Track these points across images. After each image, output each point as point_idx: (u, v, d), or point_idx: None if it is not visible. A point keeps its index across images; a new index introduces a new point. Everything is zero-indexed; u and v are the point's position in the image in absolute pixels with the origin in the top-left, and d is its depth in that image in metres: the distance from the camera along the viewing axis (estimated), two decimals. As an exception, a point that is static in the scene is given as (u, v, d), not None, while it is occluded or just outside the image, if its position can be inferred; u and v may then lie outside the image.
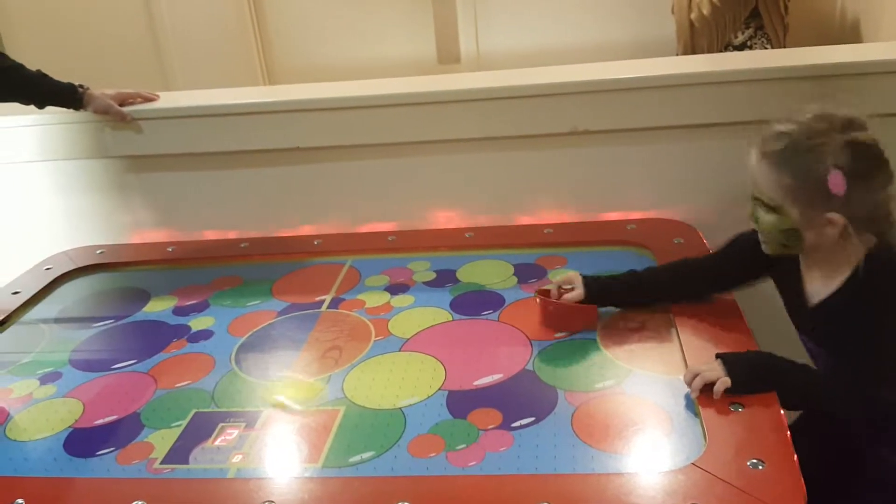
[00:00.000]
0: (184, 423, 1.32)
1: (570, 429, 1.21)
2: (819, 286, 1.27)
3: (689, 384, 1.21)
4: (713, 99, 1.79)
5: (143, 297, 1.79)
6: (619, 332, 1.45)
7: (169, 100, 2.03)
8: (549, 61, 2.08)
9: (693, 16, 2.99)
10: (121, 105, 1.93)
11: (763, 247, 1.29)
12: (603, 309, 1.49)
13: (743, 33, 2.96)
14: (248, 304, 1.71)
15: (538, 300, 1.51)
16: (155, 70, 3.56)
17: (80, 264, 1.95)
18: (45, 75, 1.83)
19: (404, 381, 1.38)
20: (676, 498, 1.02)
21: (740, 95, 1.78)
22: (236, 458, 1.22)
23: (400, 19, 3.56)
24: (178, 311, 1.71)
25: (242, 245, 1.98)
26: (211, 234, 2.09)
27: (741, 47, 2.96)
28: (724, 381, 1.18)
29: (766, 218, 1.23)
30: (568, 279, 1.49)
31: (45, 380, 1.49)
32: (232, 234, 2.07)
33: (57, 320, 1.74)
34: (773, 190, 1.20)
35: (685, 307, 1.47)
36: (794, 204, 1.19)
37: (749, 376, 1.19)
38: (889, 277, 1.19)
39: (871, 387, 1.18)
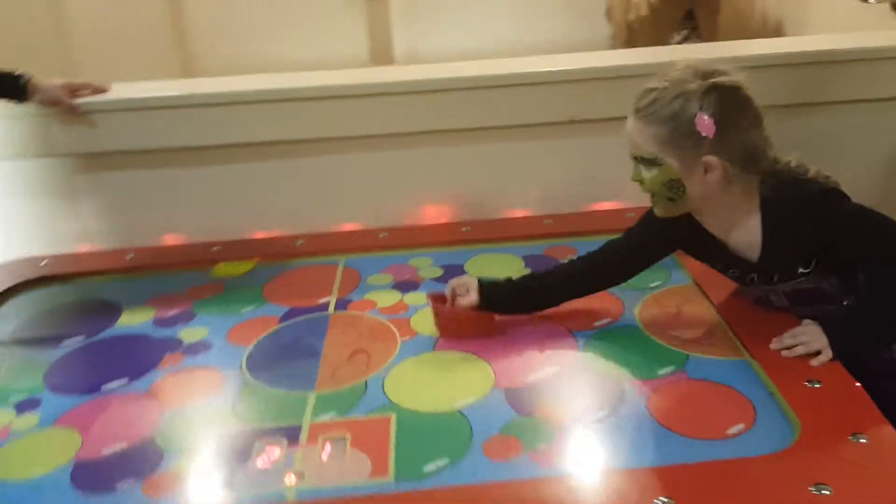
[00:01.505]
0: (211, 445, 1.16)
1: (651, 418, 1.14)
2: (746, 242, 1.27)
3: (787, 346, 1.22)
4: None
5: (112, 309, 1.58)
6: (659, 317, 1.40)
7: (123, 91, 1.82)
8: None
9: (631, 17, 3.03)
10: (70, 96, 1.72)
11: (655, 210, 1.29)
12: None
13: (679, 34, 3.03)
14: (242, 310, 1.54)
15: (430, 304, 1.41)
16: (57, 65, 3.25)
17: (24, 278, 1.71)
18: None
19: (452, 382, 1.27)
20: (801, 479, 0.97)
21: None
22: (290, 480, 1.08)
23: (331, 18, 3.41)
24: (160, 323, 1.52)
25: (214, 249, 1.80)
26: (170, 240, 1.89)
27: (677, 46, 3.02)
28: (826, 355, 1.17)
29: (649, 174, 1.23)
30: (463, 284, 1.40)
31: (21, 408, 1.28)
32: (195, 239, 1.88)
33: (14, 341, 1.50)
34: (649, 144, 1.21)
35: (717, 288, 1.44)
36: (671, 153, 1.20)
37: (851, 344, 1.19)
38: (794, 195, 1.23)
39: None
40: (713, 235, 1.31)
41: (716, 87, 1.19)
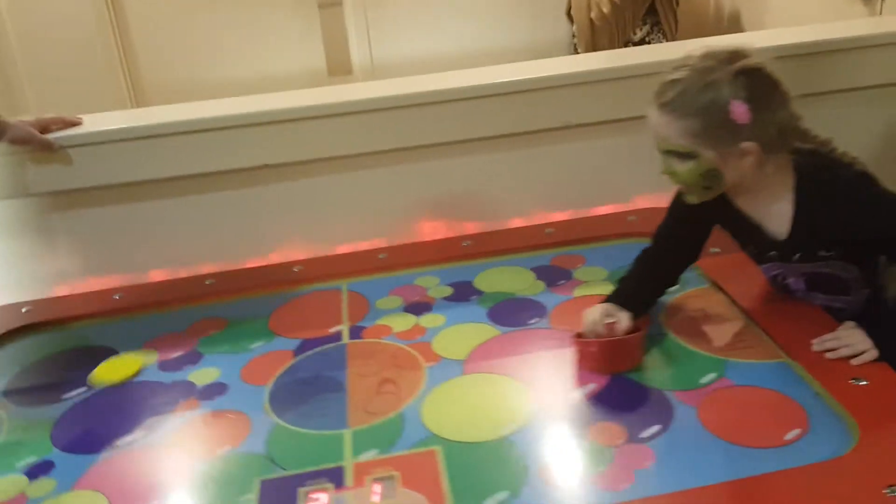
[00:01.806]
0: (253, 496, 1.09)
1: (704, 430, 1.12)
2: (776, 219, 1.28)
3: (829, 348, 1.21)
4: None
5: (108, 355, 1.49)
6: (687, 324, 1.39)
7: (96, 122, 1.72)
8: (446, 69, 1.98)
9: (593, 15, 3.03)
10: (42, 133, 1.62)
11: (687, 198, 1.28)
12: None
13: (641, 30, 3.05)
14: (252, 346, 1.47)
15: (576, 344, 1.31)
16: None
17: (7, 327, 1.60)
18: None
19: (491, 406, 1.23)
20: (873, 482, 0.96)
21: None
22: (344, 527, 1.02)
23: (285, 31, 3.32)
24: (165, 367, 1.44)
25: (208, 282, 1.72)
26: (155, 276, 1.80)
27: (640, 44, 3.04)
28: (872, 354, 1.16)
29: (683, 167, 1.22)
30: (605, 312, 1.31)
31: (33, 473, 1.18)
32: (182, 273, 1.79)
33: (10, 398, 1.40)
34: (683, 138, 1.19)
35: (736, 288, 1.44)
36: (706, 145, 1.19)
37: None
38: (827, 176, 1.23)
39: None
40: (742, 211, 1.31)
41: (743, 72, 1.17)
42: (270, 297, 1.65)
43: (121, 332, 1.57)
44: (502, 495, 1.04)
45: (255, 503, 1.08)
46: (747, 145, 1.18)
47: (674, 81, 1.19)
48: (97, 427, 1.29)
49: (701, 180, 1.22)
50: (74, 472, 1.17)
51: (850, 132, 1.88)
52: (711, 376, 1.24)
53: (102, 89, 3.25)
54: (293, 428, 1.23)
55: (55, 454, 1.22)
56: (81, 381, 1.41)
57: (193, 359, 1.46)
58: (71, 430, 1.29)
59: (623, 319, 1.29)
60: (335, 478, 1.11)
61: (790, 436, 1.09)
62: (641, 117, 1.76)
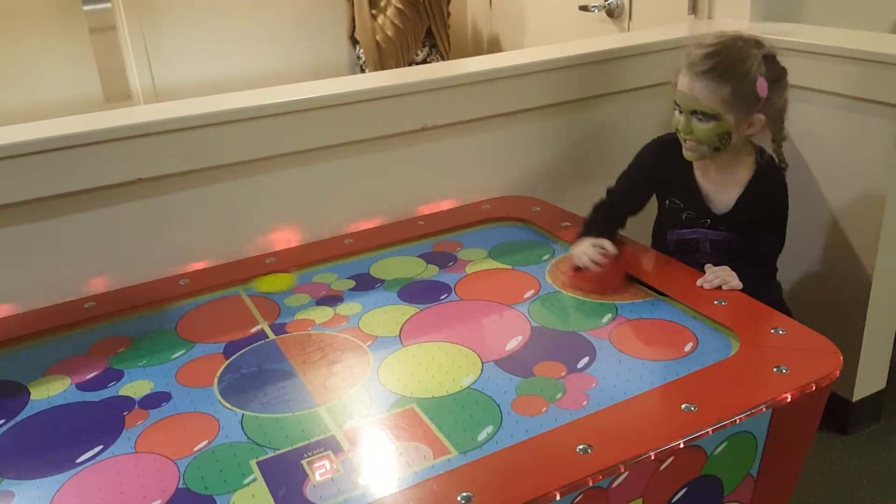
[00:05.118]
0: (256, 477, 1.13)
1: (623, 354, 1.37)
2: (723, 197, 1.63)
3: (708, 281, 1.50)
4: (518, 89, 2.06)
5: (12, 387, 1.39)
6: (568, 281, 1.63)
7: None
8: (233, 90, 2.08)
9: (379, 38, 3.25)
10: None
11: (690, 155, 1.58)
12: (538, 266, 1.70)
13: (422, 51, 3.33)
14: (173, 356, 1.46)
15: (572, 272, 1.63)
16: None
17: None
18: None
19: (444, 367, 1.37)
20: (765, 364, 1.26)
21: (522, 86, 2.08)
22: (363, 479, 1.11)
23: (54, 58, 3.11)
24: (85, 388, 1.38)
25: (87, 306, 1.64)
26: (17, 308, 1.67)
27: (423, 63, 3.31)
28: (738, 283, 1.48)
29: (705, 126, 1.52)
30: (593, 242, 1.61)
31: (-5, 504, 1.10)
32: (46, 302, 1.68)
33: None
34: (713, 101, 1.50)
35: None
36: (730, 110, 1.50)
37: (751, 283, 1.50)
38: (778, 178, 1.62)
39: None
40: (697, 182, 1.63)
41: (767, 56, 1.50)
42: (166, 311, 1.63)
43: (11, 365, 1.46)
44: (490, 429, 1.19)
45: (261, 483, 1.12)
46: (758, 116, 1.50)
47: (710, 54, 1.47)
48: (42, 451, 1.22)
49: (715, 140, 1.51)
50: (44, 496, 1.11)
51: (623, 124, 2.30)
52: (609, 316, 1.50)
53: None
54: (264, 415, 1.27)
55: (8, 485, 1.14)
56: (-6, 414, 1.31)
57: (114, 376, 1.41)
58: (9, 457, 1.20)
59: (607, 245, 1.59)
60: (331, 446, 1.18)
61: (688, 348, 1.37)
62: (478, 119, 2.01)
